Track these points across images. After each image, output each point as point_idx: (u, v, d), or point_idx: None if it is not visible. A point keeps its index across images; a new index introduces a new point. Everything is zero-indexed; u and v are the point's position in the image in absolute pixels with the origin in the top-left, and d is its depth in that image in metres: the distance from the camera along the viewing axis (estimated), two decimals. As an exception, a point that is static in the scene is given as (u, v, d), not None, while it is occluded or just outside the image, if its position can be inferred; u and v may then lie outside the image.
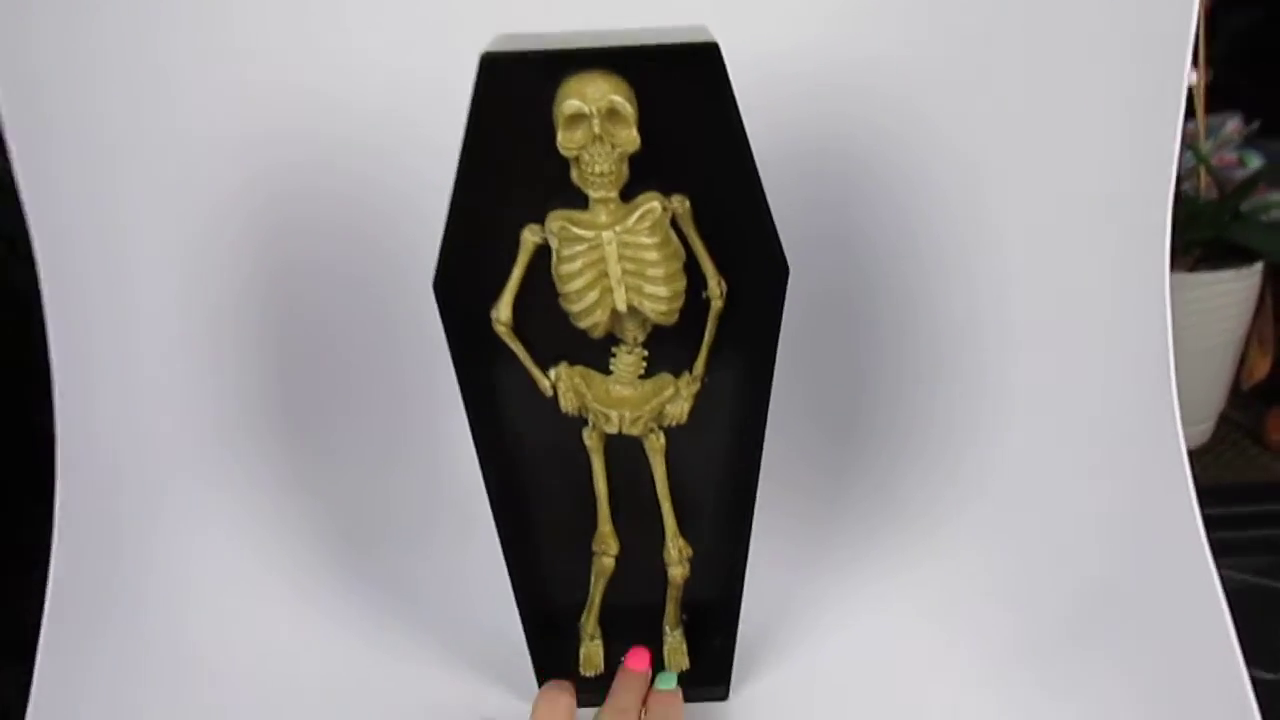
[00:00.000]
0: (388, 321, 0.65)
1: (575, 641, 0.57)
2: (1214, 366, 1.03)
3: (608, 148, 0.42)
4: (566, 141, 0.41)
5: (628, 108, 0.41)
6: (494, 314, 0.46)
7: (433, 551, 0.66)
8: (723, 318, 0.46)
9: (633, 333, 0.47)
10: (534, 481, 0.52)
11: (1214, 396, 1.05)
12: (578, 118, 0.41)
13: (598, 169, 0.42)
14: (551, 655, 0.56)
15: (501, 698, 0.57)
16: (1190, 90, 1.03)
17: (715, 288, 0.45)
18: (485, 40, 0.42)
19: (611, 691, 0.54)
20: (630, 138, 0.41)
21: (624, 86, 0.41)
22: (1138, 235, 0.58)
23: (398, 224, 0.62)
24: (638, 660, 0.56)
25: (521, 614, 0.54)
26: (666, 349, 0.47)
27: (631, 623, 0.57)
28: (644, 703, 0.54)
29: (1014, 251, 0.63)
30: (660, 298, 0.45)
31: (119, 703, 0.55)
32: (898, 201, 0.63)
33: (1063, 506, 0.62)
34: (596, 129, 0.41)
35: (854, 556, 0.64)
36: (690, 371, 0.48)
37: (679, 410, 0.48)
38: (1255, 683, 0.52)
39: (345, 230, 0.64)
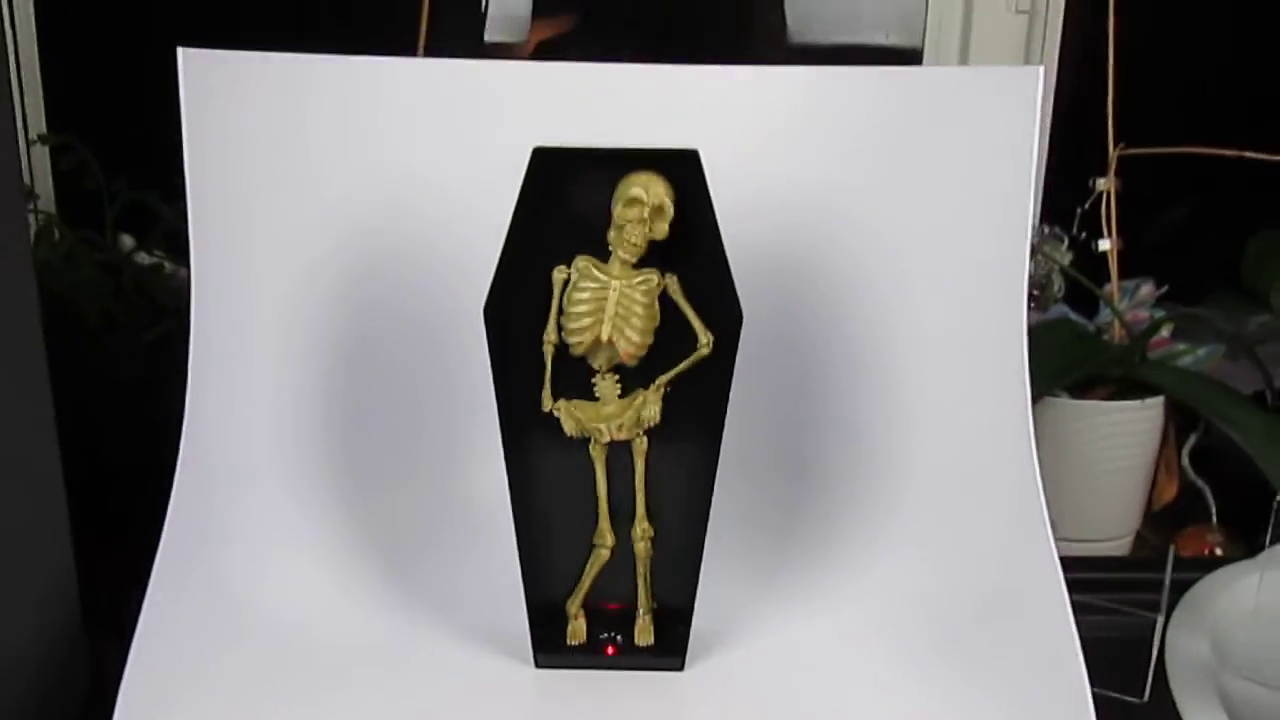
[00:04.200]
0: (435, 353, 0.82)
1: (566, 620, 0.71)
2: (1128, 488, 1.19)
3: (646, 229, 0.60)
4: (620, 215, 0.60)
5: (670, 209, 0.60)
6: (545, 335, 0.63)
7: (452, 556, 0.80)
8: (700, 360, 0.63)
9: (601, 360, 0.63)
10: (550, 490, 0.67)
11: (1129, 515, 1.21)
12: (635, 201, 0.60)
13: (632, 240, 0.61)
14: (547, 633, 0.70)
15: (506, 663, 0.70)
16: (1105, 255, 1.24)
17: (704, 339, 0.63)
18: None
19: None
20: (663, 230, 0.61)
21: (672, 192, 0.60)
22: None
23: (451, 284, 0.79)
24: None
25: (528, 600, 0.67)
26: (641, 380, 0.64)
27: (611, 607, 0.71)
28: None
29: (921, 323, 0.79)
30: (633, 341, 0.62)
31: (202, 673, 0.68)
32: (837, 289, 0.80)
33: (958, 533, 0.76)
34: (645, 215, 0.60)
35: (792, 576, 0.78)
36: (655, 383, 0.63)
37: (651, 413, 0.64)
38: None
39: (410, 283, 0.81)
